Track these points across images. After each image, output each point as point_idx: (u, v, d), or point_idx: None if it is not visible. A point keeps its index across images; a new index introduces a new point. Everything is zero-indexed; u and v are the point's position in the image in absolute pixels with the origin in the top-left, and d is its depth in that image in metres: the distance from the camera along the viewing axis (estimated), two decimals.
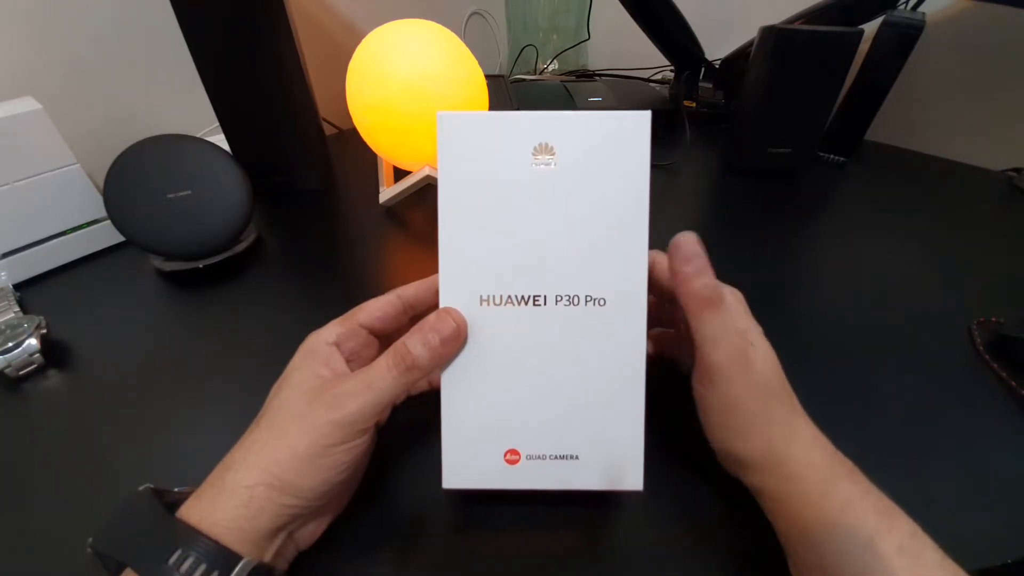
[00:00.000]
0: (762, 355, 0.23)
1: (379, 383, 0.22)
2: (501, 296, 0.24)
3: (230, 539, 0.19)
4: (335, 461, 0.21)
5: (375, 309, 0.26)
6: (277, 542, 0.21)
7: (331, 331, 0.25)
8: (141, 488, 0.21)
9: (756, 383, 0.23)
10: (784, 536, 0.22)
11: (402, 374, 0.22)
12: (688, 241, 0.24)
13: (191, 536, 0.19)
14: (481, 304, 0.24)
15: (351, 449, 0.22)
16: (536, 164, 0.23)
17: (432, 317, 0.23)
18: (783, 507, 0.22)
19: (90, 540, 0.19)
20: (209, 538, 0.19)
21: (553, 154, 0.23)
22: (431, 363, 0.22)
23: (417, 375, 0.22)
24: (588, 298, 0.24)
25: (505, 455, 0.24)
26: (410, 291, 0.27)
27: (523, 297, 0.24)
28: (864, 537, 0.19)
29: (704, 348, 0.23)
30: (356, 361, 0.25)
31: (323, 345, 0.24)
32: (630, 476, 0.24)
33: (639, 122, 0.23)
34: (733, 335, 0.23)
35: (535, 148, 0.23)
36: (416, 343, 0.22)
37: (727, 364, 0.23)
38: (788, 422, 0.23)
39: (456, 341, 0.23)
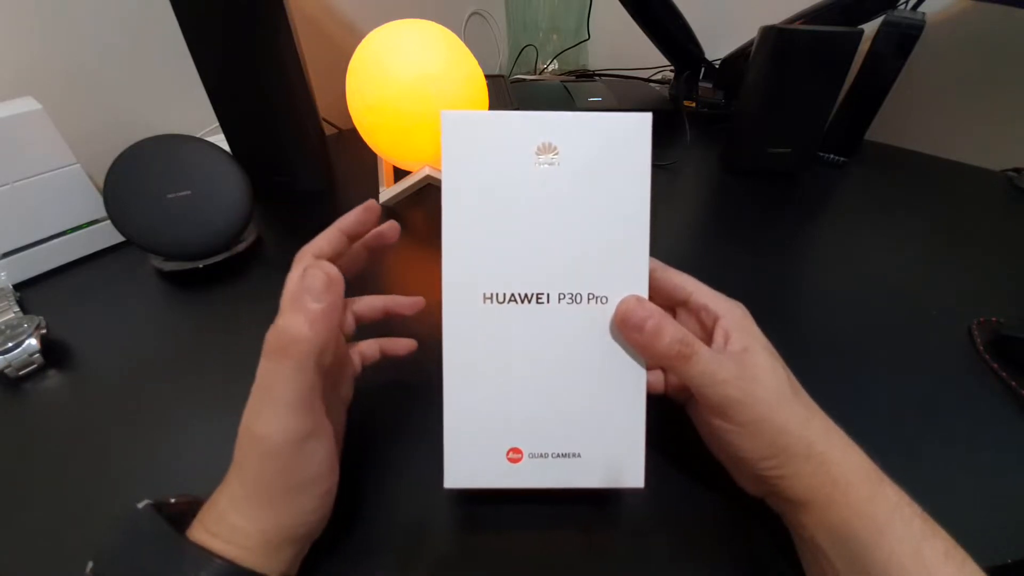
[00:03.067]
0: (764, 367, 0.23)
1: (279, 389, 0.20)
2: (504, 294, 0.24)
3: (260, 565, 0.19)
4: (313, 459, 0.21)
5: (326, 245, 0.24)
6: (298, 552, 0.21)
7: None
8: (141, 506, 0.20)
9: (770, 398, 0.22)
10: (821, 551, 0.21)
11: (295, 360, 0.20)
12: (631, 309, 0.23)
13: (209, 560, 0.18)
14: (484, 302, 0.24)
15: (318, 427, 0.21)
16: (539, 163, 0.23)
17: (296, 279, 0.21)
18: (829, 515, 0.21)
19: (90, 565, 0.19)
20: (228, 560, 0.18)
21: (556, 153, 0.23)
22: (312, 329, 0.20)
23: (327, 318, 0.20)
24: (591, 296, 0.24)
25: (507, 453, 0.24)
26: (321, 244, 0.25)
27: (526, 295, 0.24)
28: (912, 543, 0.19)
29: (702, 391, 0.23)
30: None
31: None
32: (631, 474, 0.24)
33: (640, 124, 0.23)
34: (725, 369, 0.22)
35: (538, 147, 0.23)
36: (292, 323, 0.20)
37: (733, 394, 0.22)
38: (821, 425, 0.22)
39: (337, 285, 0.21)
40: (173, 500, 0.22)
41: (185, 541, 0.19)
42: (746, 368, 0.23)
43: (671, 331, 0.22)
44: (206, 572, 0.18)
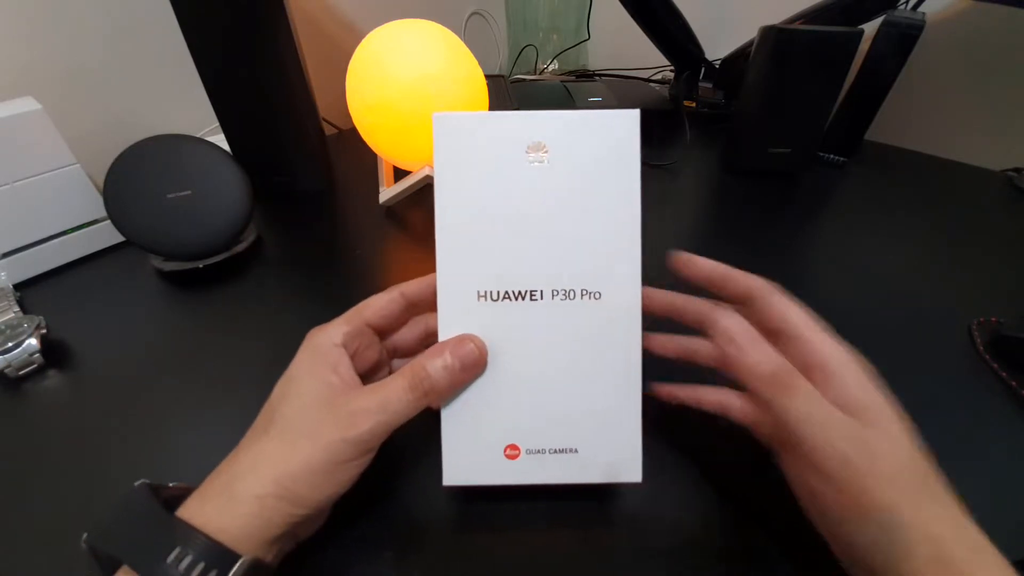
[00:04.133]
0: (890, 439, 0.20)
1: (394, 404, 0.22)
2: (498, 292, 0.24)
3: (238, 545, 0.19)
4: (346, 476, 0.21)
5: (379, 307, 0.25)
6: (280, 544, 0.21)
7: (338, 330, 0.24)
8: (137, 484, 0.21)
9: (889, 473, 0.19)
10: None
11: (418, 398, 0.22)
12: (729, 324, 0.24)
13: (189, 534, 0.19)
14: (478, 300, 0.24)
15: (361, 464, 0.22)
16: (530, 162, 0.24)
17: (453, 340, 0.23)
18: None
19: (84, 536, 0.19)
20: (208, 536, 0.19)
21: (546, 152, 0.24)
22: (449, 388, 0.23)
23: (433, 399, 0.22)
24: (584, 292, 0.24)
25: (505, 450, 0.24)
26: (412, 287, 0.26)
27: (520, 292, 0.24)
28: None
29: (797, 433, 0.21)
30: (359, 361, 0.25)
31: (330, 346, 0.23)
32: (628, 468, 0.24)
33: (628, 120, 0.24)
34: (834, 420, 0.20)
35: (528, 146, 0.24)
36: (437, 366, 0.22)
37: (841, 453, 0.20)
38: (946, 513, 0.19)
39: (476, 368, 0.23)
40: (171, 484, 0.22)
41: (173, 518, 0.19)
42: (866, 434, 0.20)
43: (764, 353, 0.23)
44: (183, 547, 0.18)
